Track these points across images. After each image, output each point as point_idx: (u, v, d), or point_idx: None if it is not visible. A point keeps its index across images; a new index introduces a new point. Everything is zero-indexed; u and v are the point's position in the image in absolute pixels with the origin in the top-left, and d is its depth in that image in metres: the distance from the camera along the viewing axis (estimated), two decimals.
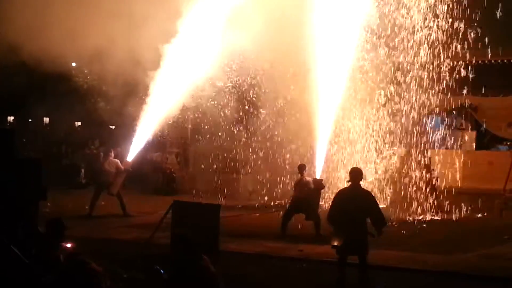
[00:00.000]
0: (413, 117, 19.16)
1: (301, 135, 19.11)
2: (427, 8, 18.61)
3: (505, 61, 23.55)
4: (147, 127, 18.92)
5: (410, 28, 18.76)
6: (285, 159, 20.60)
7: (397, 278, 11.94)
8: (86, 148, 26.67)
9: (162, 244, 12.85)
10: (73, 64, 22.95)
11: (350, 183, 11.13)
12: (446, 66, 18.83)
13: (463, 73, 19.68)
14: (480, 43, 19.98)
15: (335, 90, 17.13)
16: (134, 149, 18.98)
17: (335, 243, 10.99)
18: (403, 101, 19.29)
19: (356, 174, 11.21)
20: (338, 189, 12.54)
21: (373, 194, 12.17)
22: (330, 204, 11.89)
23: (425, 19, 18.72)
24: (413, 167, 19.17)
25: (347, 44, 17.36)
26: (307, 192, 15.74)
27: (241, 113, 22.51)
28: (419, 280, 11.86)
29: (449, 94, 19.94)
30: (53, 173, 17.56)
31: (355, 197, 10.90)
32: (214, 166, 23.01)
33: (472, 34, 18.89)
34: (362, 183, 11.24)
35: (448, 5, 18.58)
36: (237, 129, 22.73)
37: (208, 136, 23.51)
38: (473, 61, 21.70)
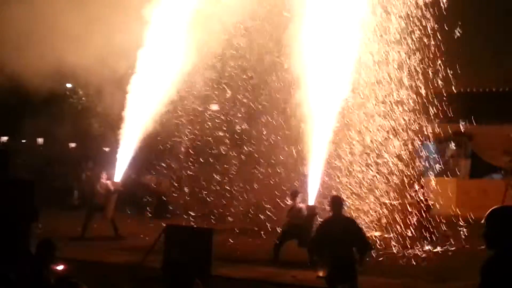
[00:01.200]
0: (406, 145, 19.14)
1: (293, 160, 19.20)
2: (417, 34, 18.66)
3: (500, 89, 23.74)
4: (132, 136, 19.20)
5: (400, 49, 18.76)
6: (279, 184, 20.59)
7: None
8: (79, 170, 26.64)
9: (154, 267, 12.83)
10: (68, 85, 23.07)
11: (331, 212, 11.16)
12: (438, 94, 18.81)
13: (456, 101, 19.76)
14: (471, 71, 20.12)
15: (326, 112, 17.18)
16: (121, 169, 19.15)
17: (320, 274, 11.01)
18: (397, 127, 19.31)
19: (336, 203, 11.19)
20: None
21: (357, 222, 12.15)
22: (313, 235, 11.90)
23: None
24: (408, 195, 19.16)
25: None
26: (300, 219, 15.79)
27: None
28: None
29: (443, 122, 19.98)
30: (46, 194, 17.52)
31: (338, 226, 10.87)
32: (207, 191, 23.04)
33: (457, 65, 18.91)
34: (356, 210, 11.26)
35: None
36: (231, 152, 22.81)
37: (201, 160, 23.61)
38: (467, 90, 21.93)
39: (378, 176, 19.07)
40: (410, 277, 14.14)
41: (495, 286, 5.29)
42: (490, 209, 5.50)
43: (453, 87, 19.69)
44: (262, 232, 18.88)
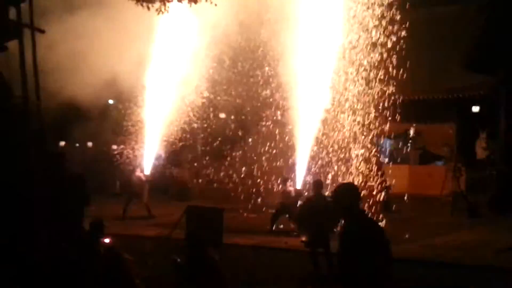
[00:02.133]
0: (371, 139, 19.06)
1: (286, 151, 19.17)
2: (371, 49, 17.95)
3: (440, 97, 23.99)
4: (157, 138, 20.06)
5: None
6: (277, 171, 20.53)
7: None
8: (120, 166, 26.66)
9: (179, 239, 12.94)
10: (110, 101, 23.17)
11: (313, 192, 11.59)
12: (396, 99, 18.58)
13: (409, 105, 19.86)
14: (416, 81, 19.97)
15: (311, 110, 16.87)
16: (151, 164, 20.01)
17: (303, 239, 11.33)
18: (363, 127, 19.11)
19: (317, 185, 11.83)
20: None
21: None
22: (299, 209, 12.37)
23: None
24: (373, 180, 19.15)
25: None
26: (290, 199, 15.95)
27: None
28: None
29: (399, 122, 19.89)
30: (95, 185, 17.64)
31: (318, 203, 11.29)
32: (218, 179, 23.28)
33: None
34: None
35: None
36: (237, 148, 22.96)
37: (213, 156, 23.86)
38: (418, 97, 22.25)
39: (349, 166, 19.04)
40: None
41: (347, 252, 5.35)
42: (336, 185, 5.64)
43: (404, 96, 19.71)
44: (262, 209, 19.00)
